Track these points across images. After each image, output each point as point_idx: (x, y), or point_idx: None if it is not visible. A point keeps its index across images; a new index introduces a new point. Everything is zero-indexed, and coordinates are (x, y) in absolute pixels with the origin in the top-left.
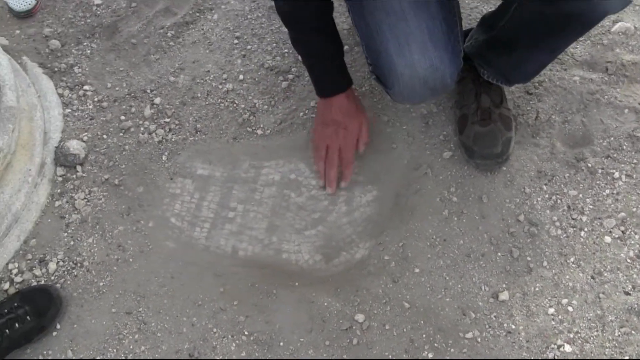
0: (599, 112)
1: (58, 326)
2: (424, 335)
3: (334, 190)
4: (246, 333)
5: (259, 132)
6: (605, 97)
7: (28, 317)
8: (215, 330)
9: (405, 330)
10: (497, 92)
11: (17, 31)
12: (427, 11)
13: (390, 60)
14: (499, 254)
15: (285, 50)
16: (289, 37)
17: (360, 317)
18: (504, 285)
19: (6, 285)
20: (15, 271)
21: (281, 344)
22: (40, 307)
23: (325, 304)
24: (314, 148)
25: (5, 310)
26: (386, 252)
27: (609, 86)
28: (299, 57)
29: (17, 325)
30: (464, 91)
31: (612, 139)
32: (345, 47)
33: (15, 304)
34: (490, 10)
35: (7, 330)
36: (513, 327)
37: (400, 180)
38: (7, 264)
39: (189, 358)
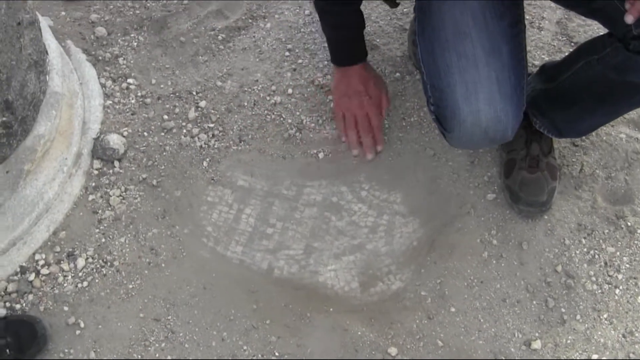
0: None
1: (82, 325)
2: None
3: (373, 155)
4: (277, 354)
5: None
6: None
7: (8, 351)
8: (245, 347)
9: None
10: (547, 142)
11: (63, 13)
12: (499, 60)
13: (455, 104)
14: (535, 302)
15: None
16: (314, 6)
17: (393, 351)
18: (536, 334)
19: (32, 276)
20: (42, 262)
21: None
22: (22, 343)
23: (359, 333)
24: (338, 118)
25: None
26: (423, 288)
27: None
28: (320, 28)
29: None
30: (514, 136)
31: None
32: (397, 75)
33: None
34: (552, 59)
35: None
36: None
37: (442, 216)
38: (34, 254)
39: None
